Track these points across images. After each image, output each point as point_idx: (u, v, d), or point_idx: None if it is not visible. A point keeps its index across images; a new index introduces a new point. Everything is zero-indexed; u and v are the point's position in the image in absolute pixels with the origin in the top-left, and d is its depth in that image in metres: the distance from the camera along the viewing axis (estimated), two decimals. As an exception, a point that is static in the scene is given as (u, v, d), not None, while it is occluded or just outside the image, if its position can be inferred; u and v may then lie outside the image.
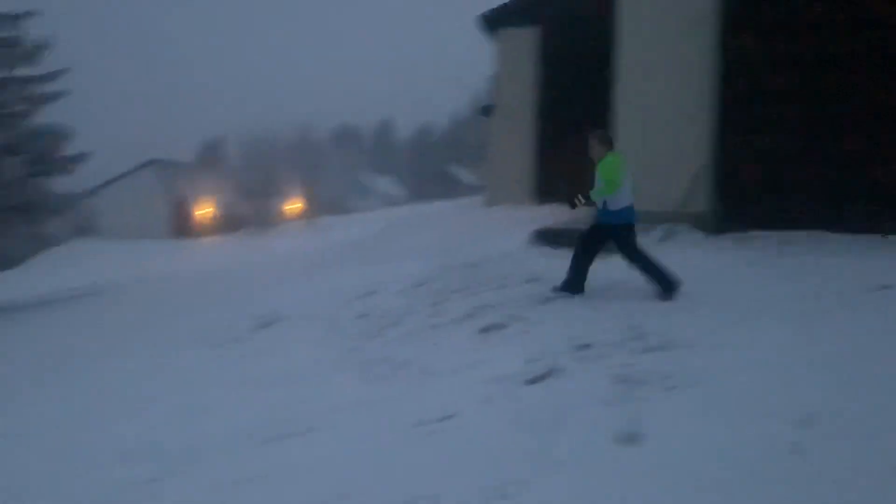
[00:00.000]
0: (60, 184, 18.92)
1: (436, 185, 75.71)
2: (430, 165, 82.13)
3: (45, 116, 18.25)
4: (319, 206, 54.89)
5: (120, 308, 13.45)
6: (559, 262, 7.56)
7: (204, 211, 46.58)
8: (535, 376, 5.11)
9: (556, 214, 11.14)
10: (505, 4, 16.35)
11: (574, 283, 6.69)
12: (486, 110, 18.69)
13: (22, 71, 17.85)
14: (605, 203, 6.33)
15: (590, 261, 6.60)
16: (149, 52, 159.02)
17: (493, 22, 16.50)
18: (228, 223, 46.51)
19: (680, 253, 8.24)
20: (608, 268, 7.13)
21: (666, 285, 6.33)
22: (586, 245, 6.59)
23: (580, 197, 6.40)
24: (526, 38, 15.97)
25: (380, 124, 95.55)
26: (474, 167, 73.69)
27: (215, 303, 11.48)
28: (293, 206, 55.29)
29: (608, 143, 6.50)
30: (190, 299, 12.89)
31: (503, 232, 10.63)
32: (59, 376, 8.16)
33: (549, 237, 9.58)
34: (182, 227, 44.34)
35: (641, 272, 6.46)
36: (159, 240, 40.20)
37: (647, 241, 7.88)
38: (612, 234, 6.47)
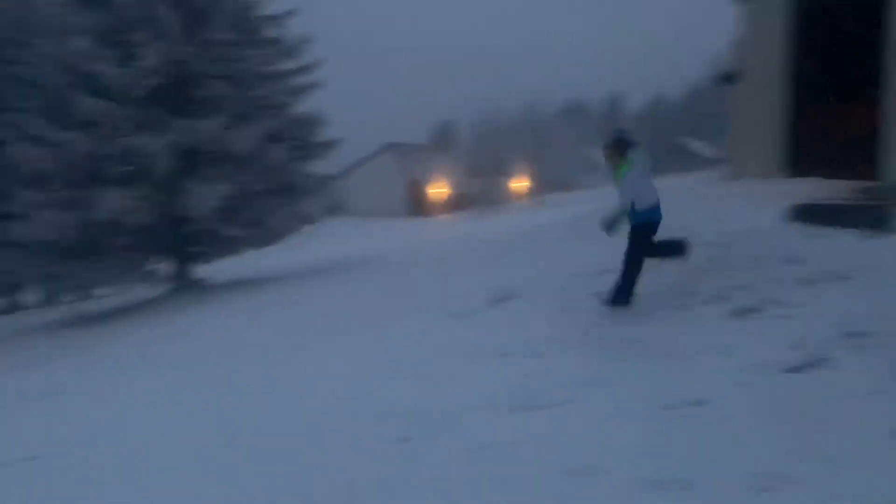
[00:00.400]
0: (315, 167, 20.93)
1: (669, 160, 72.43)
2: (663, 139, 78.66)
3: (304, 106, 20.29)
4: (546, 183, 54.99)
5: (369, 279, 14.59)
6: (825, 243, 6.85)
7: (437, 190, 48.86)
8: (798, 364, 4.69)
9: (814, 188, 10.07)
10: (753, -41, 15.00)
11: (623, 295, 6.57)
12: (729, 77, 17.33)
13: (285, 65, 19.93)
14: (633, 205, 6.25)
15: (641, 269, 6.56)
16: (385, 38, 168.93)
17: (739, -21, 15.22)
18: (459, 201, 48.29)
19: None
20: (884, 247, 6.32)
21: (679, 250, 6.54)
22: (635, 254, 6.44)
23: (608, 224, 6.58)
24: (777, -6, 14.54)
25: (608, 97, 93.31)
26: (712, 140, 69.34)
27: (452, 277, 11.98)
28: (520, 183, 55.96)
29: (623, 149, 6.36)
30: (429, 273, 13.58)
31: (753, 207, 9.81)
32: (322, 338, 9.02)
33: (812, 213, 8.64)
34: (417, 206, 46.94)
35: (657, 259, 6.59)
36: (397, 218, 42.93)
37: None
38: (639, 231, 6.36)
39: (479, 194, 47.82)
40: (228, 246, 20.82)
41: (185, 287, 19.64)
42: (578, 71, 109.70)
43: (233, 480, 4.59)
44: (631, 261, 6.43)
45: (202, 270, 20.98)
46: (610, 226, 6.60)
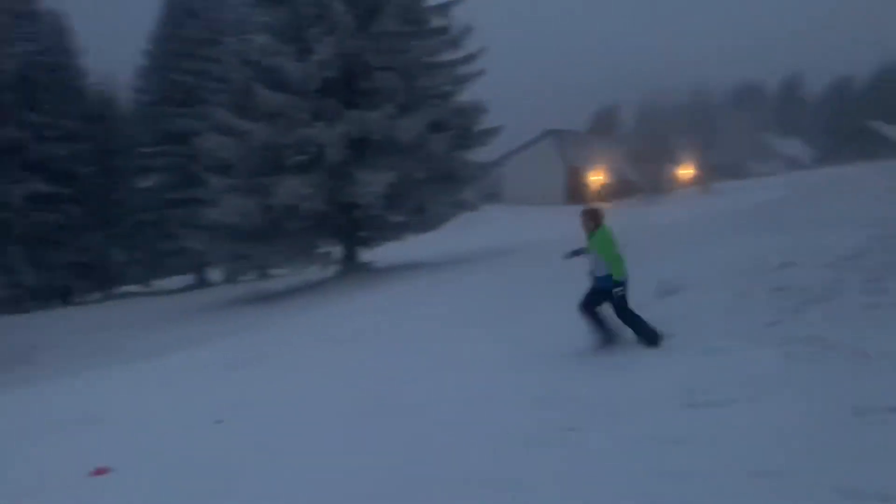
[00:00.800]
0: (475, 155, 21.13)
1: (854, 146, 66.24)
2: (848, 124, 72.00)
3: (466, 95, 20.53)
4: (714, 171, 52.21)
5: (527, 267, 14.54)
6: None
7: (597, 178, 47.78)
8: None
9: None
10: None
11: (648, 336, 6.46)
12: None
13: (450, 55, 20.25)
14: (596, 269, 6.58)
15: (598, 317, 6.66)
16: (545, 22, 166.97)
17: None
18: (621, 189, 46.96)
19: None
20: None
21: (650, 338, 6.37)
22: (621, 312, 6.56)
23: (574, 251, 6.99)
24: None
25: (786, 80, 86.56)
26: (906, 123, 62.60)
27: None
28: (685, 171, 53.49)
29: (598, 218, 6.70)
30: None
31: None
32: (481, 323, 9.11)
33: None
34: (577, 193, 46.17)
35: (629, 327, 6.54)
36: (556, 206, 42.45)
37: None
38: (607, 296, 6.53)
39: (641, 182, 46.22)
40: (392, 231, 21.70)
41: (353, 270, 20.62)
42: (751, 53, 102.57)
43: (394, 454, 4.73)
44: (623, 316, 6.56)
45: (368, 254, 21.95)
46: (571, 255, 7.12)
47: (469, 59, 20.37)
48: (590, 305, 6.71)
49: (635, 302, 8.33)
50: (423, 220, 21.20)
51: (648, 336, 6.46)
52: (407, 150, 18.43)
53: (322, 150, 17.83)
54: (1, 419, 9.40)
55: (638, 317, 6.57)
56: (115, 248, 31.55)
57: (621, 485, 3.70)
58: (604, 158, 47.62)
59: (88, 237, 29.18)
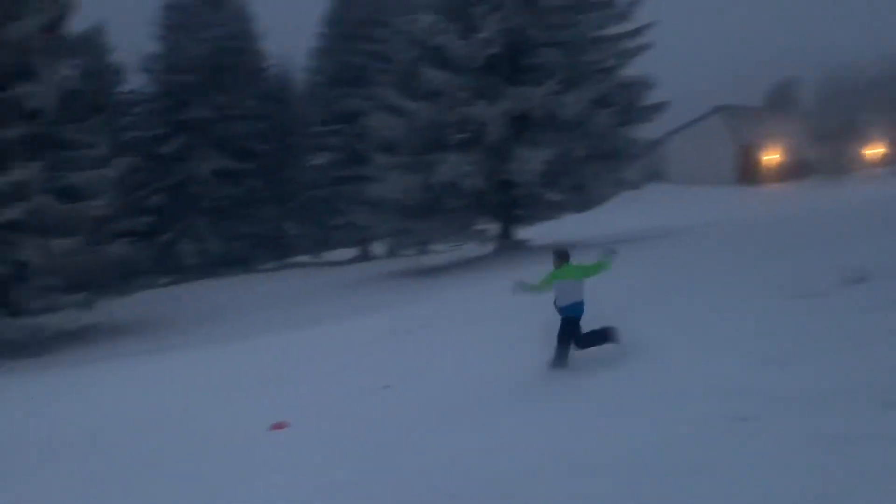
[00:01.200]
0: (640, 131, 20.42)
1: None
2: None
3: (632, 69, 19.82)
4: (907, 150, 47.17)
5: (695, 250, 13.89)
6: None
7: (771, 156, 44.64)
8: None
9: None
10: None
11: (558, 360, 6.70)
12: None
13: (615, 28, 19.62)
14: (555, 300, 6.89)
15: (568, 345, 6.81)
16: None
17: None
18: (798, 169, 43.69)
19: None
20: None
21: (609, 337, 6.71)
22: (563, 337, 6.77)
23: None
24: None
25: None
26: None
27: (794, 252, 10.86)
28: (874, 150, 48.73)
29: (562, 259, 6.95)
30: (765, 247, 12.50)
31: None
32: (650, 306, 8.84)
33: None
34: (748, 173, 43.41)
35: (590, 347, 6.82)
36: (725, 186, 40.21)
37: None
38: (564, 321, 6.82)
39: (822, 161, 42.68)
40: (549, 210, 21.51)
41: (509, 247, 20.73)
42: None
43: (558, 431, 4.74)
44: (560, 340, 6.74)
45: (524, 232, 21.95)
46: (518, 289, 7.17)
47: (636, 32, 19.65)
48: (568, 337, 6.79)
49: (815, 289, 7.79)
50: (583, 198, 20.84)
51: (602, 337, 6.76)
52: (568, 127, 18.17)
53: (483, 128, 17.99)
54: (193, 375, 10.45)
55: (589, 337, 6.82)
56: (289, 221, 33.81)
57: (796, 477, 3.48)
58: (780, 136, 44.33)
59: (266, 210, 31.49)
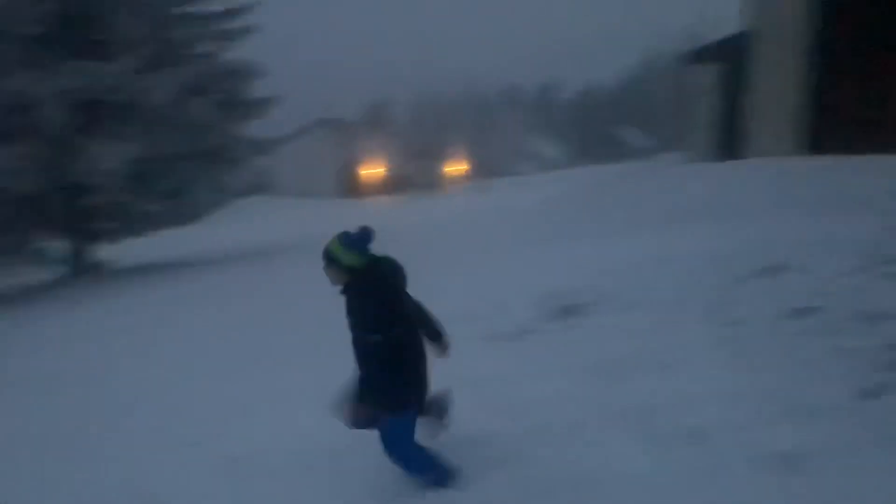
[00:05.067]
0: (246, 129, 17.57)
1: (600, 148, 71.67)
2: (595, 127, 77.97)
3: (233, 54, 16.88)
4: (482, 169, 53.22)
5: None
6: None
7: (370, 171, 45.93)
8: None
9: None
10: None
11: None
12: (700, 55, 16.16)
13: (208, 6, 16.57)
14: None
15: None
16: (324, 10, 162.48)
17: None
18: (394, 183, 45.74)
19: None
20: None
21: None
22: None
23: None
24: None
25: (542, 85, 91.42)
26: (648, 128, 68.88)
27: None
28: (456, 168, 53.94)
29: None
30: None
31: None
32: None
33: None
34: (350, 186, 43.87)
35: None
36: (330, 198, 39.86)
37: None
38: None
39: (414, 177, 45.52)
40: (139, 223, 17.26)
41: (83, 271, 16.23)
42: (517, 58, 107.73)
43: None
44: None
45: (106, 251, 17.51)
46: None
47: (234, 13, 16.95)
48: None
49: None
50: (179, 207, 17.34)
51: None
52: (158, 119, 14.64)
53: (39, 111, 13.40)
54: None
55: None
56: None
57: None
58: (377, 152, 45.93)
59: None
